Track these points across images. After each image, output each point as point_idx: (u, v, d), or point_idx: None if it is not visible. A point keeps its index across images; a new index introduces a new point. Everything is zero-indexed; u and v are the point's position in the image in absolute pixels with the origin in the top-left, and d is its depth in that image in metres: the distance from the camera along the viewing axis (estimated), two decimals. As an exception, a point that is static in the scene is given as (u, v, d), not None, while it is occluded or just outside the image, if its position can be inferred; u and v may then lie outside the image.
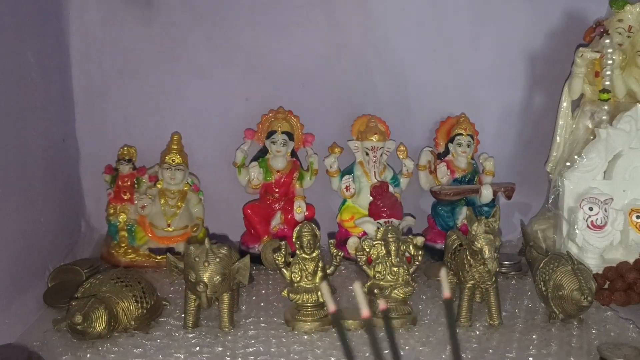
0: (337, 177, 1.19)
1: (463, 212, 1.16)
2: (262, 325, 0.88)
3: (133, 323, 0.84)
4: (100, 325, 0.79)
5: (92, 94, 1.20)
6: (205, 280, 0.81)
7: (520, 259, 1.12)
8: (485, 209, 1.17)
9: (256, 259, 1.10)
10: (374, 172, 1.18)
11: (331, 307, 0.47)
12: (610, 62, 1.10)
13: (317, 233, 0.90)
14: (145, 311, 0.85)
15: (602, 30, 1.12)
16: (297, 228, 0.90)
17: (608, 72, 1.10)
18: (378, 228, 0.93)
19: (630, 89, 1.14)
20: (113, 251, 1.11)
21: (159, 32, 1.20)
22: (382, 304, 0.50)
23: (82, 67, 1.19)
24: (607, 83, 1.11)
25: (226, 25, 1.21)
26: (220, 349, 0.80)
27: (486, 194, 1.16)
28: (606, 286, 1.02)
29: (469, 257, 0.88)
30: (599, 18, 1.17)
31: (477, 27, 1.26)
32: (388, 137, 1.20)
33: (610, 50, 1.10)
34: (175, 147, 1.13)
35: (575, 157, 1.10)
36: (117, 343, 0.80)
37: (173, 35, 1.20)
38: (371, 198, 1.16)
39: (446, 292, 0.49)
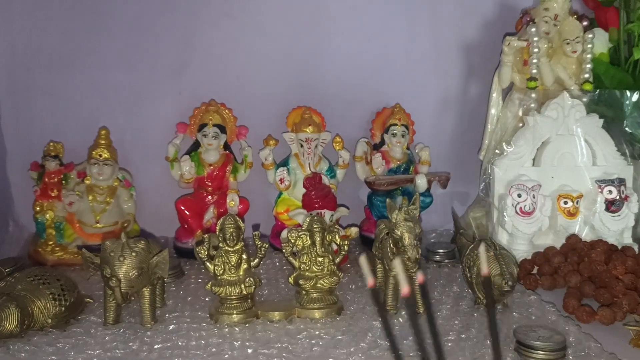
0: (272, 169, 1.18)
1: (399, 202, 1.16)
2: (186, 319, 0.86)
3: (50, 321, 0.82)
4: (11, 324, 0.77)
5: (17, 89, 1.17)
6: (120, 276, 0.79)
7: (454, 247, 1.13)
8: (421, 198, 1.18)
9: (190, 254, 1.09)
10: (309, 163, 1.17)
11: (370, 281, 0.46)
12: (536, 50, 1.11)
13: (241, 225, 0.89)
14: (63, 309, 0.84)
15: (528, 19, 1.13)
16: (220, 220, 0.89)
17: (535, 61, 1.11)
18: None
19: (558, 77, 1.15)
20: (40, 249, 1.08)
21: (85, 24, 1.17)
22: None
23: (7, 62, 1.16)
24: (534, 71, 1.12)
25: (158, 16, 1.19)
26: (137, 344, 0.78)
27: (420, 183, 1.17)
28: (535, 271, 1.03)
29: (391, 246, 0.88)
30: (526, 7, 1.18)
31: (412, 16, 1.26)
32: (323, 128, 1.19)
33: (536, 39, 1.11)
34: (103, 141, 1.11)
35: (504, 144, 1.11)
36: (30, 342, 0.78)
37: (100, 28, 1.18)
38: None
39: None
